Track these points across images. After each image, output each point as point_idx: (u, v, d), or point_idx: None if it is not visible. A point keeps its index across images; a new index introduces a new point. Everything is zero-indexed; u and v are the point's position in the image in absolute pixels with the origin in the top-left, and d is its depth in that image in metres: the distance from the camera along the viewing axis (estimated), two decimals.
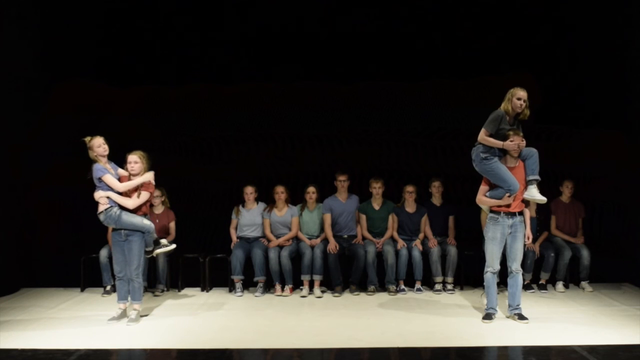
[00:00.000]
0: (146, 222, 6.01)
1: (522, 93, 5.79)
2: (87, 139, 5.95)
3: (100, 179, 5.88)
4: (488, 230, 5.96)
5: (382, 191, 7.48)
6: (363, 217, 7.53)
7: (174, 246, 6.51)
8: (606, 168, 7.97)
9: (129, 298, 6.10)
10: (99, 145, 5.92)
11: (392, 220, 7.51)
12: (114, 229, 6.02)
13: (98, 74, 8.19)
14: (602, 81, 7.79)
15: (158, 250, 6.26)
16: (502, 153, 5.90)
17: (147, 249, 6.11)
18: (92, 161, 5.93)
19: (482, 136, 5.83)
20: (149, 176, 6.05)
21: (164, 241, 6.32)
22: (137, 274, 6.01)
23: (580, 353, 4.92)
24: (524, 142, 5.83)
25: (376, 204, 7.52)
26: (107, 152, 5.97)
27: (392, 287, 7.28)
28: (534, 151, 5.90)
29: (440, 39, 8.11)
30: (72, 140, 7.51)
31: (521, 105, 5.80)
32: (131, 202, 5.96)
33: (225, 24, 8.18)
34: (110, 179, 5.89)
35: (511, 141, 5.78)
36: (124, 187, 5.95)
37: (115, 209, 5.91)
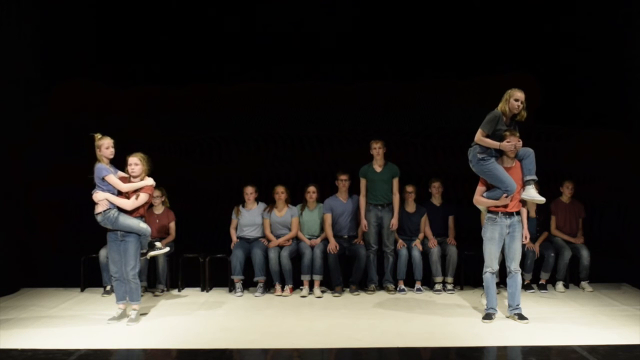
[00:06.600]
0: (142, 226, 6.02)
1: (519, 94, 5.79)
2: (98, 135, 5.96)
3: (103, 179, 5.89)
4: (486, 231, 5.97)
5: (384, 152, 7.26)
6: (363, 182, 7.30)
7: (167, 249, 6.53)
8: (606, 168, 7.96)
9: (127, 299, 6.10)
10: (107, 147, 5.94)
11: (396, 185, 7.30)
12: (110, 230, 6.02)
13: (98, 74, 8.18)
14: (602, 81, 7.78)
15: (152, 253, 6.27)
16: (499, 153, 5.90)
17: (142, 251, 6.13)
18: (94, 159, 5.94)
19: (479, 137, 5.84)
20: (151, 181, 6.07)
21: (158, 244, 6.32)
22: (134, 275, 6.01)
23: (580, 353, 4.93)
24: (521, 142, 5.83)
25: (377, 166, 7.27)
26: (112, 156, 5.99)
27: (391, 286, 7.28)
28: (530, 151, 5.89)
29: (440, 38, 8.11)
30: (72, 140, 7.59)
31: (518, 106, 5.80)
32: (129, 203, 5.97)
33: (225, 24, 8.17)
34: (113, 179, 5.92)
35: (508, 142, 5.78)
36: (127, 187, 5.97)
37: (114, 211, 5.92)
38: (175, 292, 7.43)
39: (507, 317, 6.05)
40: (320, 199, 7.56)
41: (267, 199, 7.62)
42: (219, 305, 6.78)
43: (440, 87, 8.33)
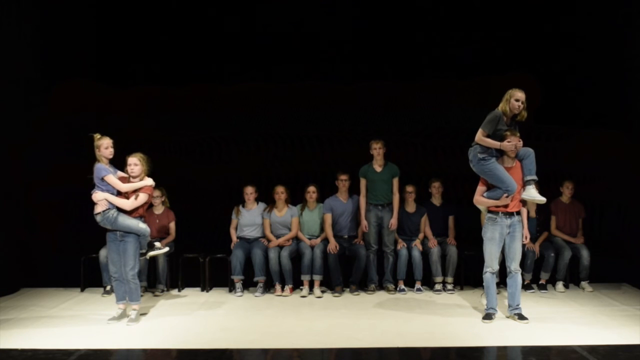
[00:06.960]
0: (142, 226, 6.02)
1: (520, 94, 5.80)
2: (97, 135, 5.96)
3: (102, 179, 5.89)
4: (486, 231, 5.96)
5: (384, 152, 7.23)
6: (363, 182, 7.28)
7: (167, 249, 6.52)
8: (606, 168, 7.96)
9: (127, 299, 6.10)
10: (106, 147, 5.94)
11: (396, 185, 7.27)
12: (109, 230, 6.02)
13: (98, 74, 8.19)
14: (602, 81, 7.79)
15: (151, 253, 6.26)
16: (499, 153, 5.90)
17: (141, 251, 6.13)
18: (93, 159, 5.95)
19: (480, 137, 5.84)
20: (151, 181, 6.08)
21: (157, 244, 6.32)
22: (133, 275, 6.01)
23: (580, 353, 4.93)
24: (521, 142, 5.84)
25: (378, 166, 7.25)
26: (111, 156, 5.99)
27: (391, 286, 7.28)
28: (530, 151, 5.89)
29: (441, 38, 8.11)
30: (72, 140, 7.59)
31: (519, 106, 5.80)
32: (129, 204, 5.97)
33: (225, 24, 8.18)
34: (113, 179, 5.92)
35: (508, 142, 5.78)
36: (126, 187, 5.97)
37: (113, 211, 5.92)
38: (175, 292, 7.43)
39: (507, 317, 6.05)
40: (320, 199, 7.56)
41: (267, 199, 7.61)
42: (219, 305, 6.78)
43: (440, 87, 8.34)
